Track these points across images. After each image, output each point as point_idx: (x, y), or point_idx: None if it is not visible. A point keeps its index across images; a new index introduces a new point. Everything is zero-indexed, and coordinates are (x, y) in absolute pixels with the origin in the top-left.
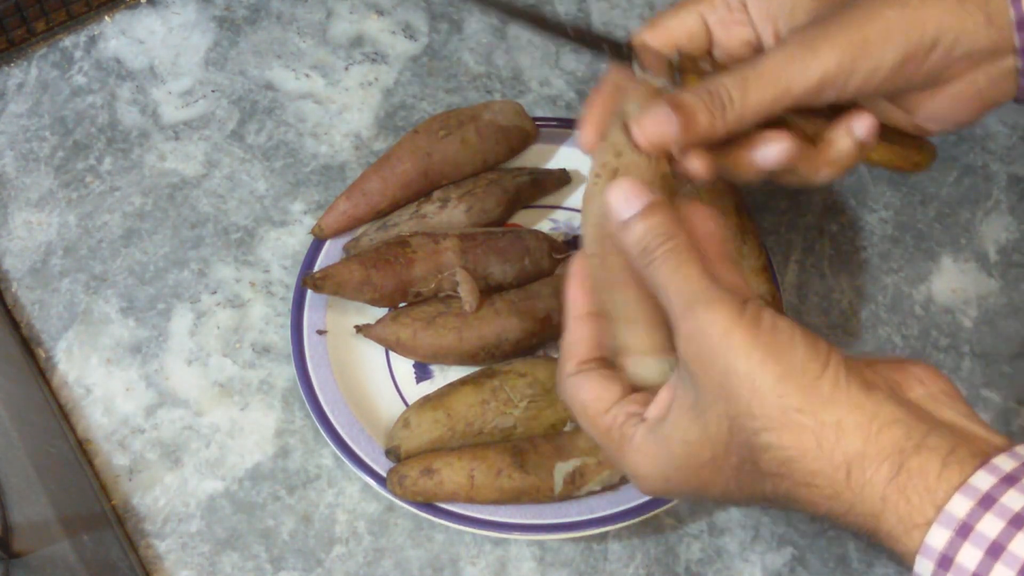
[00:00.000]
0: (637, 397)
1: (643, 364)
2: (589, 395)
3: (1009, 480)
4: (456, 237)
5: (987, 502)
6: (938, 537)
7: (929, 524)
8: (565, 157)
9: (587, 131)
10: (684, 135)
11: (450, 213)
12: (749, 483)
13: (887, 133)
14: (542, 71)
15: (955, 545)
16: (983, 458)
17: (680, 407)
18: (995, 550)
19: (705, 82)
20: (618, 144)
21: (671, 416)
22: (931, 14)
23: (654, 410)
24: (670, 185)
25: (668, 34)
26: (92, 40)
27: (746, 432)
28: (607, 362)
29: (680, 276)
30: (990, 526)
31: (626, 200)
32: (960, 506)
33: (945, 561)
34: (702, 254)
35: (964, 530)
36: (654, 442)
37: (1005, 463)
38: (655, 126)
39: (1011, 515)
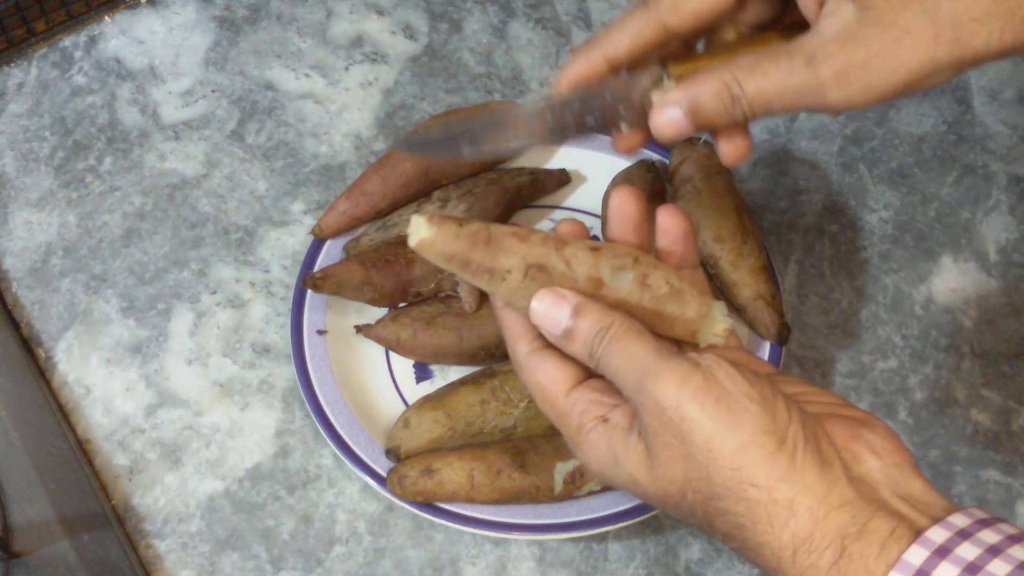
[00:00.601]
0: (594, 384)
1: (708, 330)
2: (546, 376)
3: (941, 552)
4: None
5: None
6: None
7: None
8: (565, 157)
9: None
10: (693, 128)
11: (450, 213)
12: (699, 526)
13: None
14: (542, 71)
15: None
16: (918, 534)
17: (636, 446)
18: None
19: (720, 71)
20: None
21: (629, 441)
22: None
23: (619, 416)
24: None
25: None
26: (92, 40)
27: (702, 495)
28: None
29: (626, 358)
30: None
31: (551, 313)
32: None
33: None
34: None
35: None
36: (608, 451)
37: (937, 535)
38: (667, 126)
39: None
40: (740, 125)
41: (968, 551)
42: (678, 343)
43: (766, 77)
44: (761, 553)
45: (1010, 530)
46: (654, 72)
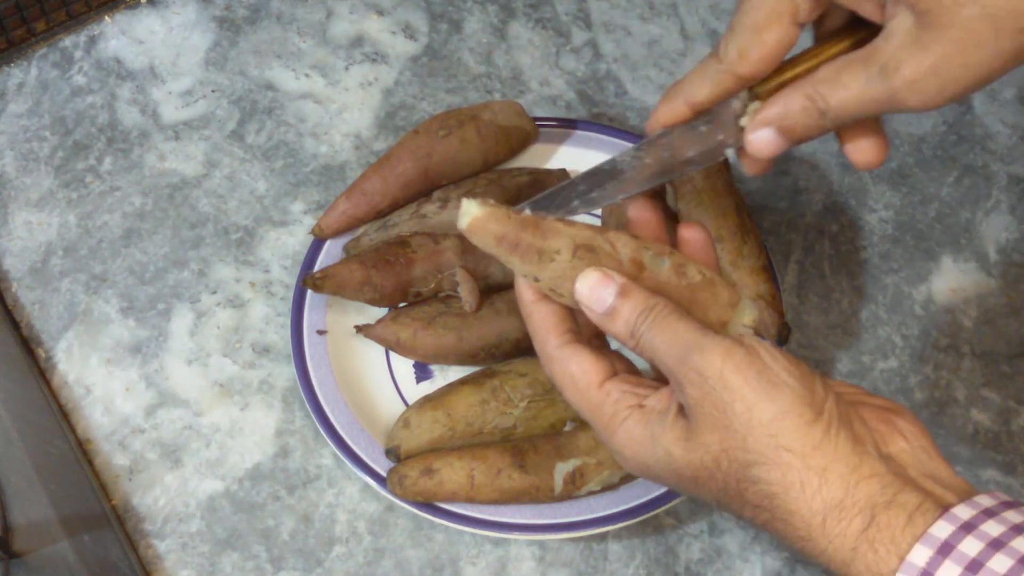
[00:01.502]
0: (630, 378)
1: (737, 321)
2: (579, 368)
3: (967, 527)
4: (456, 237)
5: (945, 549)
6: None
7: (893, 573)
8: (565, 157)
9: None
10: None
11: (450, 213)
12: (728, 503)
13: None
14: (542, 71)
15: None
16: (944, 509)
17: (674, 424)
18: None
19: (803, 87)
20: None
21: (666, 421)
22: None
23: (655, 401)
24: (634, 250)
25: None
26: (92, 40)
27: (737, 463)
28: (583, 338)
29: (669, 336)
30: (948, 572)
31: (597, 291)
32: (920, 555)
33: None
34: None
35: None
36: (644, 434)
37: (963, 512)
38: (762, 147)
39: (967, 560)
40: (872, 125)
41: (993, 528)
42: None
43: (847, 89)
44: (791, 522)
45: None
46: (742, 97)
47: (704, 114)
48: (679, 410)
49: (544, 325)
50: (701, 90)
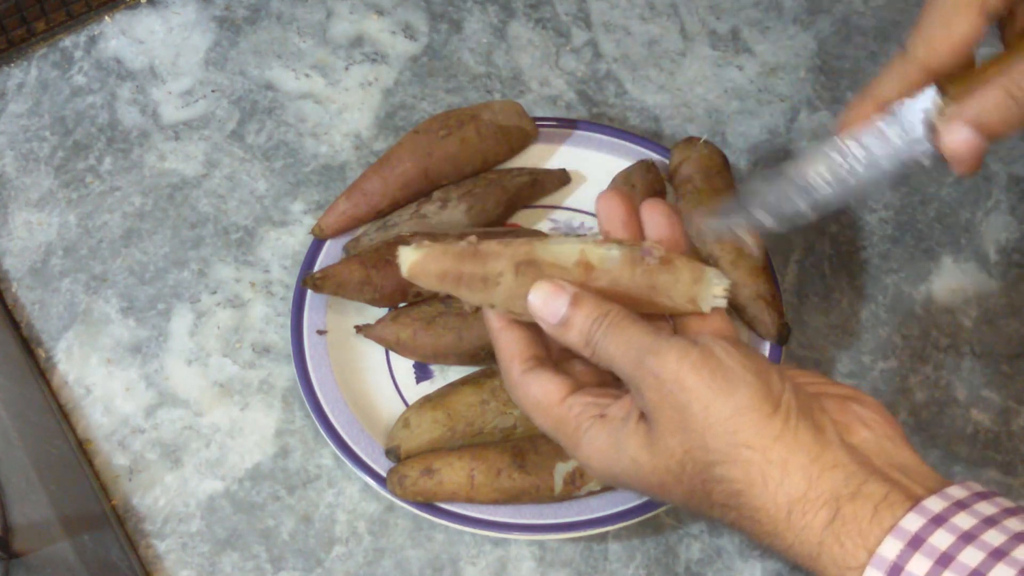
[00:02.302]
0: (592, 390)
1: (707, 293)
2: (541, 390)
3: (938, 520)
4: (456, 237)
5: (916, 543)
6: None
7: (862, 567)
8: (565, 157)
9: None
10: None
11: (450, 213)
12: (696, 505)
13: None
14: (542, 71)
15: None
16: (914, 501)
17: (636, 430)
18: None
19: (1003, 81)
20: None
21: (628, 427)
22: None
23: (617, 409)
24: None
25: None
26: (92, 40)
27: (700, 464)
28: (549, 360)
29: (624, 341)
30: (919, 566)
31: (549, 303)
32: (890, 548)
33: None
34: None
35: (895, 571)
36: (608, 443)
37: (935, 504)
38: (960, 147)
39: (938, 554)
40: None
41: (964, 521)
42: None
43: None
44: (757, 518)
45: (1006, 503)
46: (929, 96)
47: (888, 115)
48: (640, 416)
49: (508, 353)
50: (892, 89)
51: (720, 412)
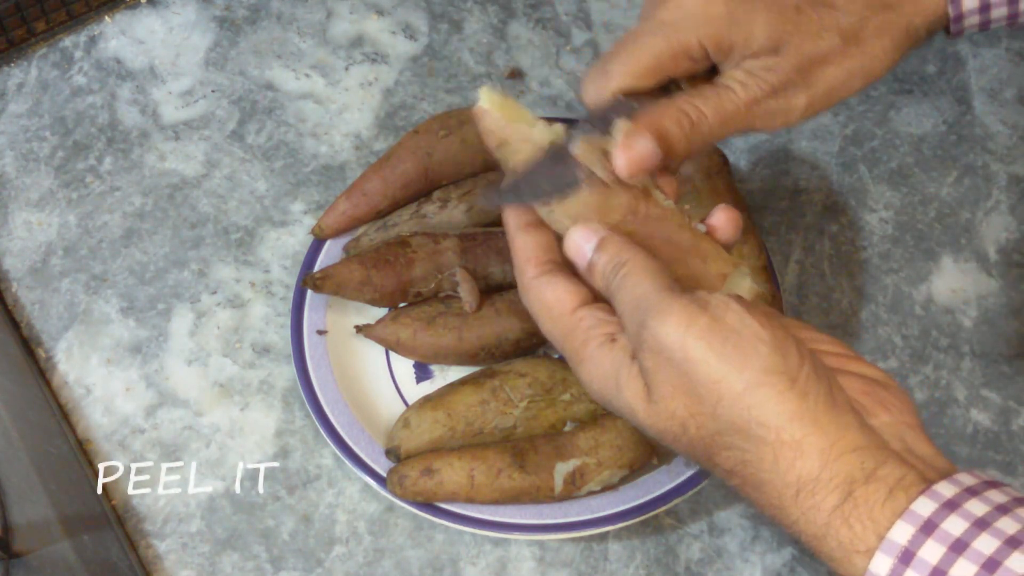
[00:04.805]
0: (605, 306)
1: (736, 282)
2: (553, 295)
3: (950, 506)
4: (456, 237)
5: (928, 528)
6: (881, 564)
7: (870, 552)
8: None
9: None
10: (661, 157)
11: (450, 213)
12: (698, 460)
13: None
14: (542, 71)
15: (897, 572)
16: (928, 485)
17: (637, 377)
18: None
19: (677, 101)
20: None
21: (632, 371)
22: (877, 48)
23: (627, 341)
24: (624, 204)
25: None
26: (92, 40)
27: (706, 430)
28: (566, 266)
29: (634, 296)
30: (931, 552)
31: (580, 246)
32: (902, 533)
33: None
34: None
35: (906, 557)
36: (609, 372)
37: (946, 489)
38: (637, 154)
39: (952, 540)
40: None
41: (977, 507)
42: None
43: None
44: (763, 490)
45: (1016, 492)
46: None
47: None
48: (634, 373)
49: (523, 255)
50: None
51: (732, 386)
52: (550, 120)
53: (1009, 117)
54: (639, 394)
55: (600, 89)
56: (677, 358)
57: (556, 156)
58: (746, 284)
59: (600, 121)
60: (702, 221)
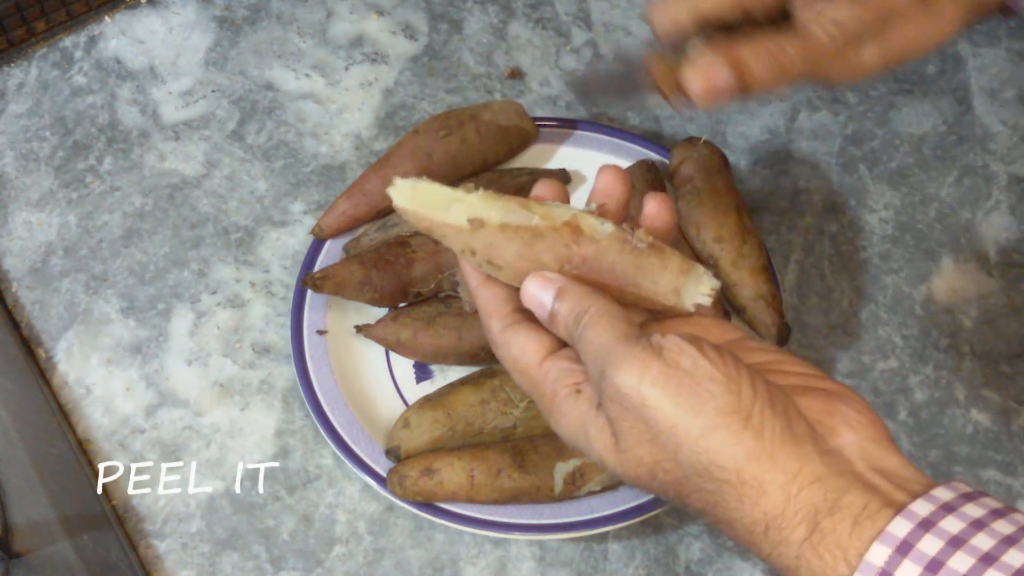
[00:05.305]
0: (568, 353)
1: (693, 288)
2: (519, 349)
3: (925, 525)
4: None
5: (904, 548)
6: None
7: None
8: (565, 157)
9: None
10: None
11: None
12: (671, 501)
13: None
14: (542, 71)
15: None
16: (898, 507)
17: (603, 428)
18: None
19: (759, 37)
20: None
21: (597, 422)
22: (950, 11)
23: (591, 391)
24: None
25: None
26: (92, 40)
27: (673, 475)
28: (528, 314)
29: (596, 343)
30: (907, 573)
31: (536, 295)
32: (878, 554)
33: None
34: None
35: None
36: (578, 423)
37: (922, 508)
38: (712, 80)
39: (927, 560)
40: None
41: (953, 525)
42: (643, 325)
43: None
44: (734, 527)
45: (994, 504)
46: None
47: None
48: (600, 425)
49: (487, 309)
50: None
51: (689, 431)
52: (472, 179)
53: (1009, 117)
54: (607, 444)
55: (675, 13)
56: (636, 406)
57: (628, 65)
58: (706, 283)
59: (669, 49)
60: (638, 226)
